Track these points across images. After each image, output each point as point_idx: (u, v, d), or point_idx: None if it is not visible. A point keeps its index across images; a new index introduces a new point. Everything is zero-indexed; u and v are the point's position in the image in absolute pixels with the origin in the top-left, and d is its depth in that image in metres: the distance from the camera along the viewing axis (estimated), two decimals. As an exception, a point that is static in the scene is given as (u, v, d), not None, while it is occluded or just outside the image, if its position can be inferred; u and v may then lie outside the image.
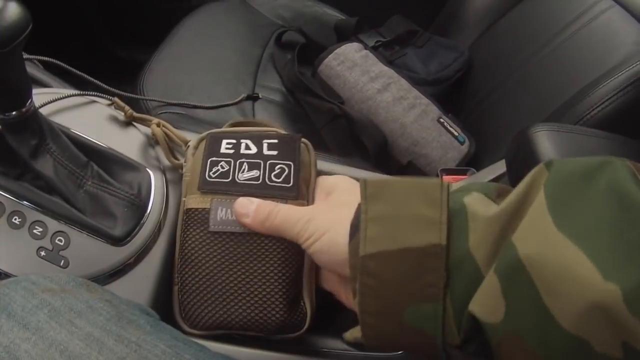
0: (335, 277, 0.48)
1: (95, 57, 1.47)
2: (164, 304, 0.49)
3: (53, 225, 0.47)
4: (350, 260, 0.38)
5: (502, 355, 0.33)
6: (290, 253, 0.48)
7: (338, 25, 1.13)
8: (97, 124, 0.55)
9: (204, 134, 0.53)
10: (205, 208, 0.48)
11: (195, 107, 0.85)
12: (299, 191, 0.48)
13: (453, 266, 0.35)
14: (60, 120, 0.53)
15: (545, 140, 0.55)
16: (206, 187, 0.49)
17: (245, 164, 0.49)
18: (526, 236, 0.32)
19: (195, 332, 0.48)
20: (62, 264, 0.46)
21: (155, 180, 0.53)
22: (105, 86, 0.64)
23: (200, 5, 1.17)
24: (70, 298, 0.38)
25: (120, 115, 0.56)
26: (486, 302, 0.33)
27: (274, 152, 0.50)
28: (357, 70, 0.93)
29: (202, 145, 0.52)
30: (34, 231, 0.46)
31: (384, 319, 0.36)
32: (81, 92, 0.57)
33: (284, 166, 0.49)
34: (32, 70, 0.65)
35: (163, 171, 0.54)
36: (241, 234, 0.47)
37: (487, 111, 0.99)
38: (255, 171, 0.49)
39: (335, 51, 0.95)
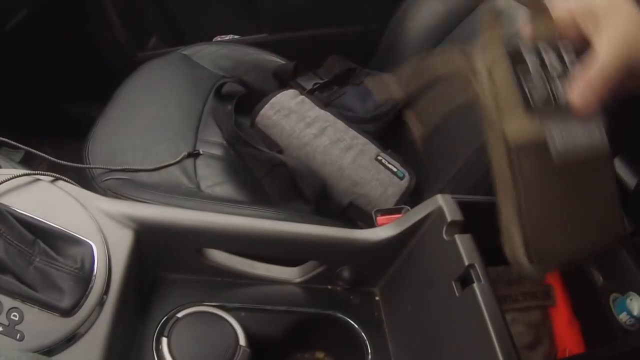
0: None
1: (47, 114, 1.59)
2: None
3: (7, 302, 0.56)
4: None
5: None
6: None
7: (276, 72, 1.26)
8: (40, 202, 0.63)
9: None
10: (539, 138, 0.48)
11: (136, 170, 0.97)
12: None
13: None
14: (5, 200, 0.62)
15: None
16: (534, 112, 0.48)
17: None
18: None
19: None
20: (17, 337, 0.55)
21: (97, 251, 0.62)
22: (52, 158, 0.74)
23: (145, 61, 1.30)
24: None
25: (62, 190, 0.65)
26: None
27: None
28: (293, 117, 1.05)
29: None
30: (-10, 309, 0.56)
31: None
32: (26, 172, 0.66)
33: None
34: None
35: (105, 240, 0.63)
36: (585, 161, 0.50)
37: (430, 142, 1.10)
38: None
39: (271, 101, 1.08)
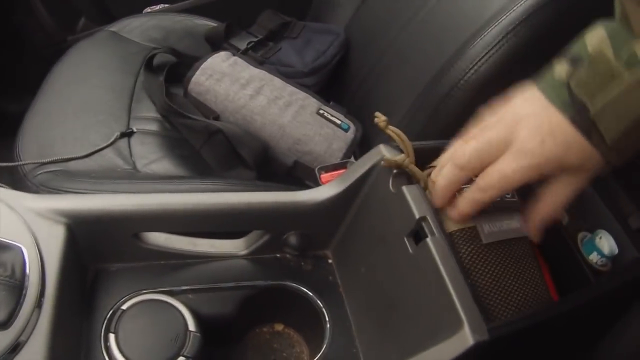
0: None
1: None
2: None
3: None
4: None
5: None
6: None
7: (208, 35, 1.21)
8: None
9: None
10: (470, 227, 0.57)
11: (67, 160, 0.92)
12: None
13: None
14: None
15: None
16: None
17: None
18: None
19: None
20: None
21: (27, 253, 0.57)
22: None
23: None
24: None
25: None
26: None
27: None
28: (226, 80, 1.00)
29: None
30: None
31: None
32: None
33: None
34: None
35: (35, 240, 0.58)
36: (511, 239, 0.58)
37: (371, 90, 1.07)
38: None
39: (202, 66, 1.02)
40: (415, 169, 0.58)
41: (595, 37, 0.49)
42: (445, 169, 0.55)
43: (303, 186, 0.95)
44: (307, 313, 0.68)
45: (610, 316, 0.72)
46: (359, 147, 1.00)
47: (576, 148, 0.49)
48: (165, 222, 0.64)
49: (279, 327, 0.73)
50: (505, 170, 0.51)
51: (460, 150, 0.54)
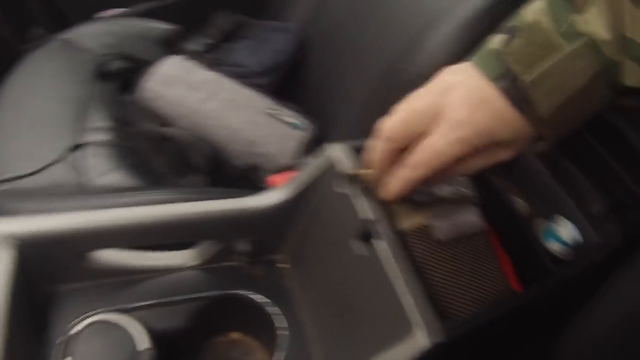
0: None
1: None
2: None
3: None
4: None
5: None
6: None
7: (163, 39, 1.19)
8: None
9: None
10: (425, 225, 0.57)
11: (14, 179, 0.90)
12: None
13: None
14: None
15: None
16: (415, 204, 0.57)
17: None
18: None
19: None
20: None
21: None
22: None
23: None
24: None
25: None
26: None
27: None
28: (178, 85, 0.99)
29: None
30: None
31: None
32: None
33: None
34: None
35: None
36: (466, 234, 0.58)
37: (328, 88, 1.06)
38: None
39: (153, 72, 1.01)
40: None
41: (535, 8, 0.47)
42: (375, 144, 0.52)
43: (258, 188, 0.94)
44: (262, 320, 0.68)
45: (575, 300, 0.71)
46: (316, 144, 0.99)
47: (508, 121, 0.47)
48: (114, 239, 0.63)
49: (236, 335, 0.72)
50: (436, 146, 0.48)
51: (388, 122, 0.51)
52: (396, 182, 0.52)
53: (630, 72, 0.44)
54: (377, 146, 0.52)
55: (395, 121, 0.50)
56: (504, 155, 0.50)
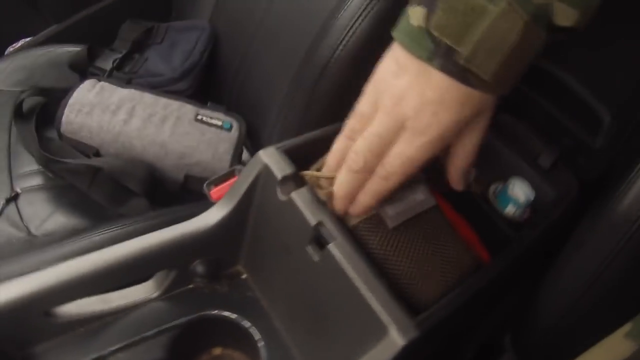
0: None
1: None
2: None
3: None
4: None
5: None
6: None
7: (72, 63, 1.14)
8: None
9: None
10: (373, 214, 0.54)
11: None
12: None
13: None
14: None
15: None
16: None
17: None
18: None
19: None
20: None
21: None
22: None
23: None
24: None
25: None
26: None
27: None
28: (96, 111, 0.96)
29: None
30: None
31: None
32: None
33: None
34: None
35: None
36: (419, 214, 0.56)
37: (245, 80, 1.04)
38: None
39: (68, 103, 0.98)
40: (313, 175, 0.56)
41: None
42: (340, 177, 0.51)
43: (201, 198, 0.94)
44: (238, 333, 0.67)
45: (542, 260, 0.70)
46: (249, 139, 0.98)
47: (465, 101, 0.46)
48: (76, 291, 0.61)
49: (217, 351, 0.72)
50: (406, 153, 0.48)
51: (352, 154, 0.50)
52: (369, 197, 0.52)
53: (561, 12, 0.43)
54: (346, 180, 0.51)
55: (362, 152, 0.49)
56: (478, 129, 0.50)
